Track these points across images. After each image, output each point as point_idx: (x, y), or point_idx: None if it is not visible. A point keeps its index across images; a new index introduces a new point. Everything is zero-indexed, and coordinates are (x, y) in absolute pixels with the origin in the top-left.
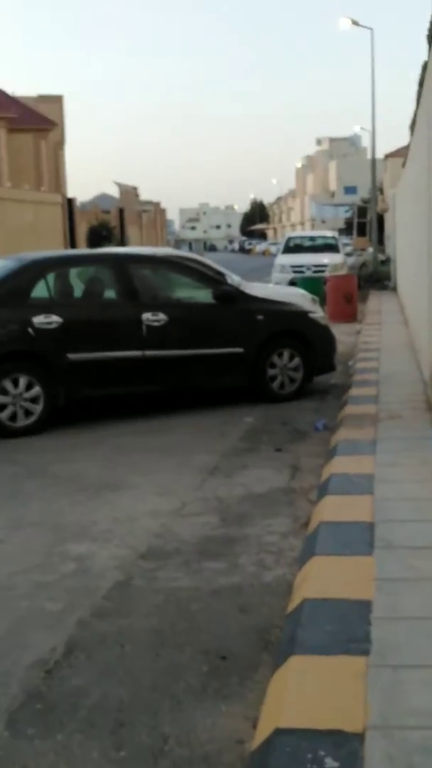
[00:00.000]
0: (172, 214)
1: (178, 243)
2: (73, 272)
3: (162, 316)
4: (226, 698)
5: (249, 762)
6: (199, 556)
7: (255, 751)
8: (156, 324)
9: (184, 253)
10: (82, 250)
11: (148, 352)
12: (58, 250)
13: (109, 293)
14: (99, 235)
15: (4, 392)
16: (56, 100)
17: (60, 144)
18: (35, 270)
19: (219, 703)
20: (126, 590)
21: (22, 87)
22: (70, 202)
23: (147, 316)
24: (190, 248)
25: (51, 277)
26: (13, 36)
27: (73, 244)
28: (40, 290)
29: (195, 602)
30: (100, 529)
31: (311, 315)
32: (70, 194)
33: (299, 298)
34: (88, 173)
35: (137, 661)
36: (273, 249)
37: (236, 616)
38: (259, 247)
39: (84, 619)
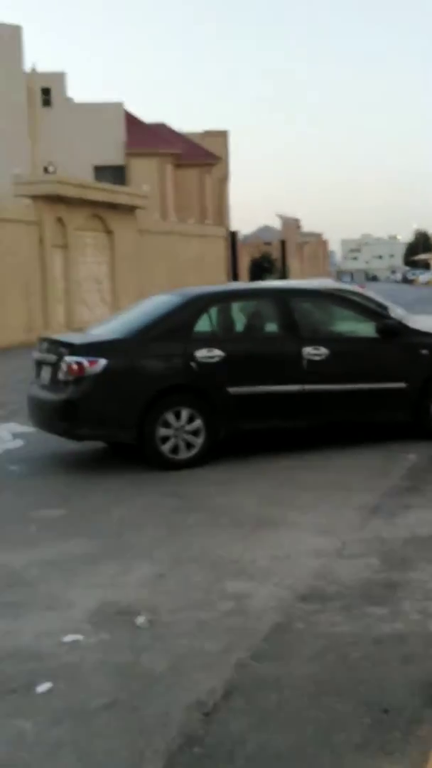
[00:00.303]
0: (334, 245)
1: (340, 274)
2: (235, 306)
3: (323, 350)
4: (388, 755)
5: None
6: (361, 600)
7: None
8: (317, 358)
9: (346, 286)
10: (243, 284)
11: (308, 387)
12: (220, 284)
13: (270, 327)
14: (261, 267)
15: (167, 425)
16: (221, 135)
17: (224, 178)
18: (198, 305)
19: (381, 761)
20: (285, 633)
21: (188, 123)
22: (233, 235)
23: (308, 350)
24: (352, 279)
25: (213, 312)
26: (182, 73)
27: (235, 276)
28: (202, 325)
29: (356, 650)
30: (258, 567)
31: None
32: (233, 227)
33: None
34: (251, 206)
35: (296, 709)
36: None
37: (399, 667)
38: (423, 277)
39: (243, 661)
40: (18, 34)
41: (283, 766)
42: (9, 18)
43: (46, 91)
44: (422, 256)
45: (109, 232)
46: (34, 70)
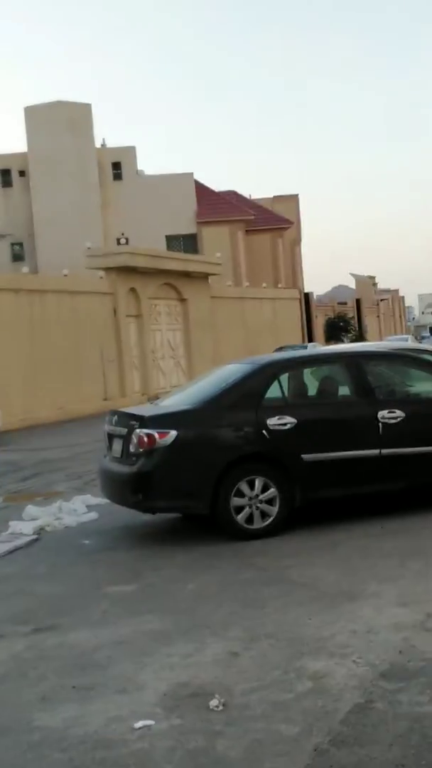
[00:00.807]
0: (411, 301)
1: (418, 329)
2: (306, 372)
3: (399, 413)
4: None
5: None
6: None
7: None
8: (392, 421)
9: (422, 345)
10: (315, 349)
11: (385, 451)
12: (293, 348)
13: (343, 391)
14: (336, 326)
15: (241, 494)
16: (292, 200)
17: (296, 241)
18: (268, 372)
19: None
20: (366, 714)
21: (259, 189)
22: (306, 296)
23: (383, 414)
24: (431, 333)
25: (284, 379)
26: (252, 139)
27: (310, 338)
28: (273, 392)
29: None
30: (337, 643)
31: None
32: (306, 289)
33: None
34: (325, 266)
35: None
36: None
37: None
38: None
39: (321, 746)
40: (89, 111)
41: None
42: (79, 95)
43: (116, 165)
44: None
45: (182, 300)
46: (104, 145)
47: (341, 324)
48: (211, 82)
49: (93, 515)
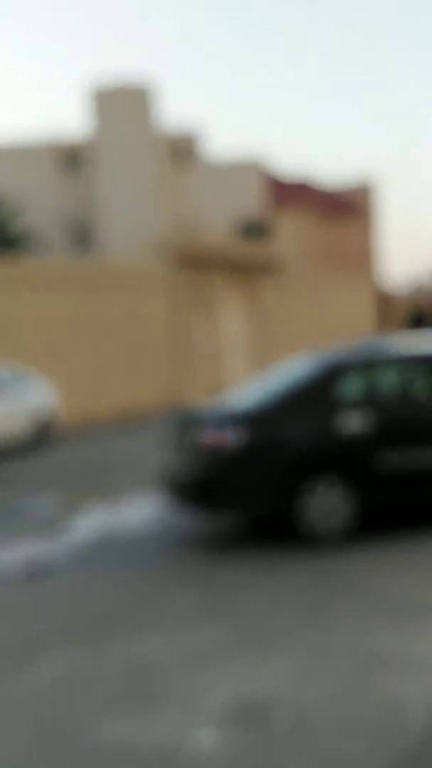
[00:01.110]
0: None
1: None
2: (383, 370)
3: None
4: None
5: None
6: None
7: None
8: None
9: None
10: (394, 343)
11: None
12: (369, 338)
13: (419, 392)
14: (416, 320)
15: (310, 498)
16: (371, 187)
17: (372, 230)
18: (340, 371)
19: None
20: None
21: (337, 175)
22: (382, 288)
23: None
24: None
25: (357, 378)
26: (331, 121)
27: (386, 330)
28: (347, 391)
29: None
30: (412, 658)
31: None
32: (385, 280)
33: None
34: (404, 259)
35: None
36: None
37: None
38: None
39: (393, 764)
40: (156, 94)
41: None
42: (148, 75)
43: (184, 150)
44: None
45: (252, 292)
46: (171, 130)
47: (420, 318)
48: (288, 58)
49: (156, 518)
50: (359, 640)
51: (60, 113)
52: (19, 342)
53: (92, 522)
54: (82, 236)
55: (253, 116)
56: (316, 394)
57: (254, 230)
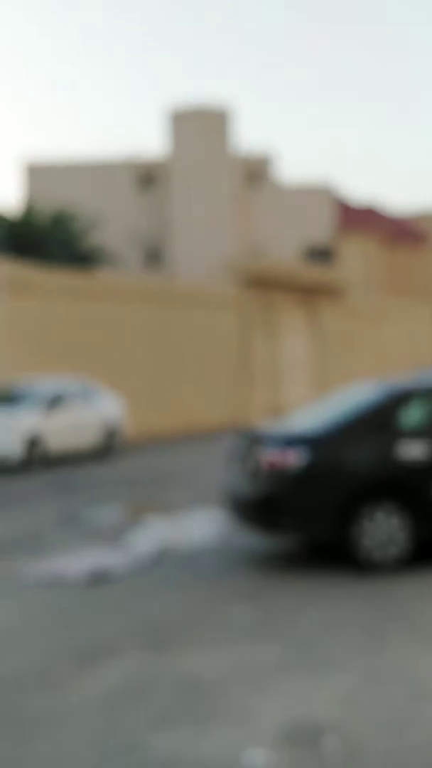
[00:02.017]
0: None
1: None
2: None
3: None
4: None
5: None
6: None
7: None
8: None
9: None
10: None
11: None
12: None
13: None
14: None
15: (368, 524)
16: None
17: None
18: (404, 398)
19: None
20: None
21: (403, 202)
22: None
23: None
24: None
25: (420, 405)
26: (398, 150)
27: None
28: (409, 419)
29: None
30: None
31: None
32: None
33: None
34: None
35: None
36: None
37: None
38: None
39: None
40: (229, 119)
41: None
42: (222, 99)
43: (254, 174)
44: None
45: (316, 315)
46: (243, 153)
47: None
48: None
49: (215, 534)
50: (412, 668)
51: (139, 135)
52: (89, 354)
53: (154, 534)
54: (153, 254)
55: (323, 141)
56: (379, 420)
57: (320, 254)
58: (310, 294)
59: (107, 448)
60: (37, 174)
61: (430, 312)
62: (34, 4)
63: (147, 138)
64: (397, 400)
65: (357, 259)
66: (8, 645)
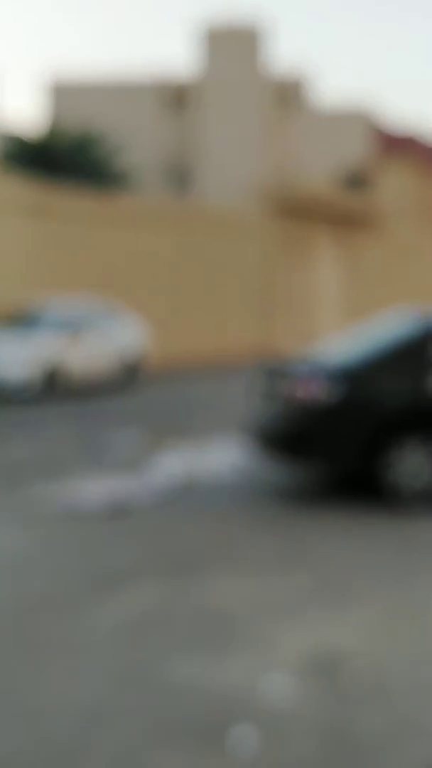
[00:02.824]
0: None
1: None
2: None
3: None
4: None
5: None
6: None
7: None
8: None
9: None
10: None
11: None
12: None
13: None
14: None
15: (399, 457)
16: None
17: None
18: None
19: None
20: None
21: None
22: None
23: None
24: None
25: None
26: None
27: None
28: None
29: None
30: None
31: None
32: None
33: None
34: None
35: None
36: None
37: None
38: None
39: None
40: (266, 34)
41: None
42: (253, 19)
43: (291, 94)
44: None
45: (349, 244)
46: (278, 74)
47: None
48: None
49: (241, 466)
50: None
51: (169, 54)
52: (110, 280)
53: (175, 463)
54: (182, 177)
55: (365, 63)
56: (409, 354)
57: (357, 181)
58: (345, 222)
59: (128, 376)
60: (62, 93)
61: None
62: None
63: (177, 57)
64: (429, 334)
65: (395, 188)
66: (28, 573)
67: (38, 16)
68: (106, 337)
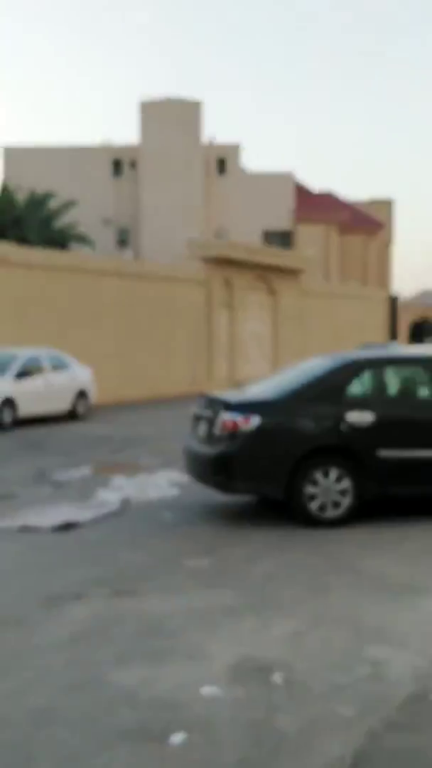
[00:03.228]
0: None
1: None
2: (389, 371)
3: None
4: None
5: None
6: None
7: None
8: None
9: None
10: (401, 348)
11: None
12: (377, 346)
13: (424, 393)
14: (421, 329)
15: (315, 483)
16: (386, 204)
17: (388, 244)
18: (351, 369)
19: None
20: (420, 704)
21: (356, 191)
22: (394, 298)
23: None
24: None
25: (366, 376)
26: (354, 141)
27: (394, 337)
28: (355, 388)
29: None
30: (398, 633)
31: None
32: (394, 291)
33: None
34: (414, 271)
35: None
36: None
37: None
38: None
39: (375, 730)
40: (199, 109)
41: None
42: (191, 90)
43: (221, 162)
44: None
45: (273, 293)
46: (211, 142)
47: (426, 327)
48: (321, 82)
49: (175, 491)
50: (351, 614)
51: (114, 123)
52: (62, 326)
53: (118, 490)
54: (124, 236)
55: (287, 133)
56: (328, 389)
57: (280, 237)
58: (269, 274)
59: (76, 412)
60: (14, 157)
61: (380, 294)
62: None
63: (121, 126)
64: (346, 371)
65: (314, 242)
66: None
67: None
68: (55, 379)
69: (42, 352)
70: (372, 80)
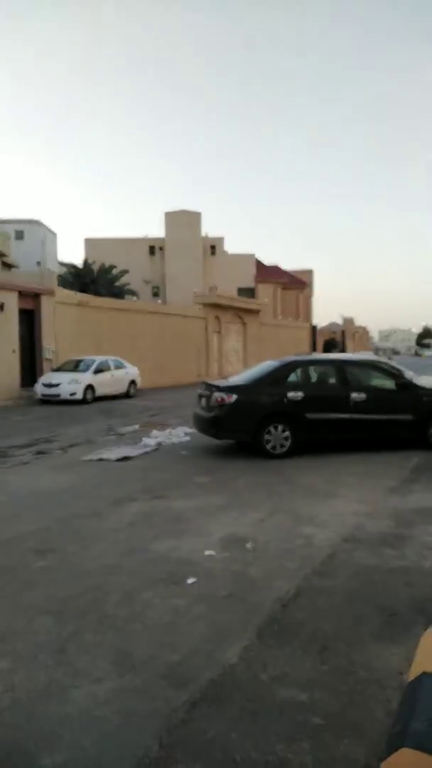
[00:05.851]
0: (374, 332)
1: (377, 350)
2: (311, 368)
3: (363, 395)
4: (394, 643)
5: (405, 691)
6: (381, 544)
7: (409, 684)
8: (359, 399)
9: (378, 358)
10: (318, 355)
11: (355, 416)
12: (304, 354)
13: (332, 380)
14: (330, 345)
15: (270, 433)
16: (309, 272)
17: (310, 296)
18: (290, 367)
19: (389, 645)
20: (334, 561)
21: (290, 263)
22: (314, 327)
23: (354, 395)
24: (383, 353)
25: (299, 371)
26: (289, 235)
27: (314, 350)
28: (292, 378)
29: (377, 575)
30: (320, 520)
31: None
32: (314, 322)
33: None
34: (326, 311)
35: (338, 608)
36: None
37: (404, 588)
38: (427, 353)
39: (308, 575)
40: (199, 216)
41: (330, 642)
42: (195, 202)
43: (213, 247)
44: (426, 341)
45: (244, 324)
46: (206, 235)
47: (333, 344)
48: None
49: (188, 438)
50: (293, 508)
51: (149, 221)
52: (120, 344)
53: (153, 438)
54: (156, 290)
55: (254, 226)
56: (276, 379)
57: (247, 292)
58: (241, 313)
59: (129, 393)
60: (92, 243)
61: (305, 325)
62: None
63: (153, 224)
64: (287, 368)
65: (267, 295)
66: (71, 496)
67: (77, 202)
68: (117, 373)
69: (109, 358)
70: (306, 188)
